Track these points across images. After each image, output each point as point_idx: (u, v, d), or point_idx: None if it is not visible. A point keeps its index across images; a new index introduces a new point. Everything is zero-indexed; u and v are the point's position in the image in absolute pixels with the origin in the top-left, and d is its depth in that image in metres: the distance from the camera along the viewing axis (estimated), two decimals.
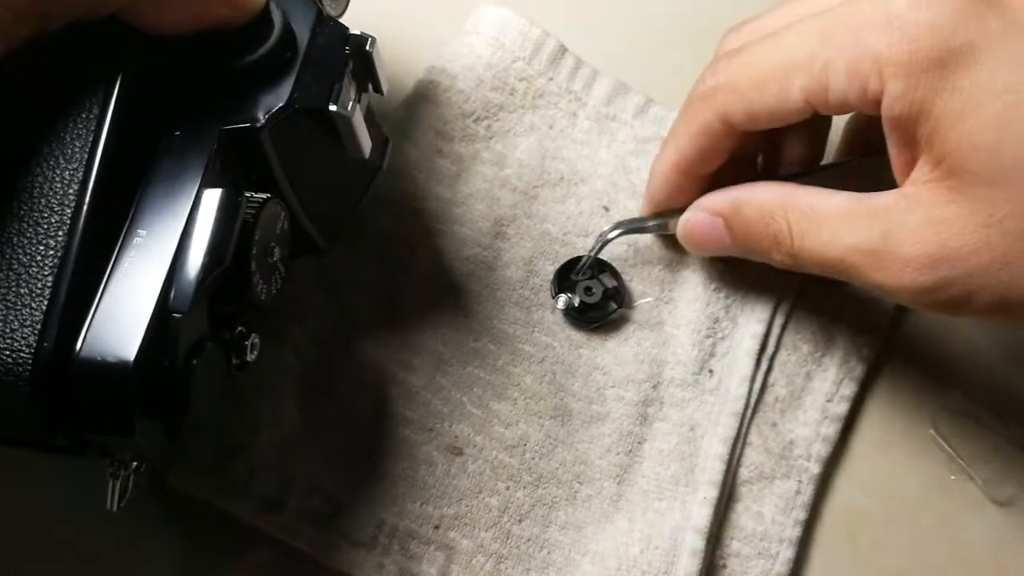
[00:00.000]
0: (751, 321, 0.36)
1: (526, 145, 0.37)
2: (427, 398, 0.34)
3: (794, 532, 0.34)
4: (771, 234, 0.32)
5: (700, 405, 0.35)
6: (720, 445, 0.34)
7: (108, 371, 0.22)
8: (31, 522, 0.33)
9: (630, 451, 0.34)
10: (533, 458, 0.34)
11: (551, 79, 0.38)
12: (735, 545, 0.34)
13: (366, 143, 0.28)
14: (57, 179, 0.23)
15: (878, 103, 0.28)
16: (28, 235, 0.23)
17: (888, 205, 0.29)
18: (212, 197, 0.24)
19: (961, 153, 0.27)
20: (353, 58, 0.27)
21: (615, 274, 0.36)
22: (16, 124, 0.24)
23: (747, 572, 0.34)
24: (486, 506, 0.33)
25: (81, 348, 0.22)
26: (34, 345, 0.22)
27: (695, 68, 0.42)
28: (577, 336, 0.36)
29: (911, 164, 0.29)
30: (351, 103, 0.26)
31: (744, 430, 0.35)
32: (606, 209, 0.37)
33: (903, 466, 0.36)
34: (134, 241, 0.23)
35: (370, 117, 0.29)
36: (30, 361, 0.22)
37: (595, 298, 0.35)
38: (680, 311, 0.36)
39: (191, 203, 0.24)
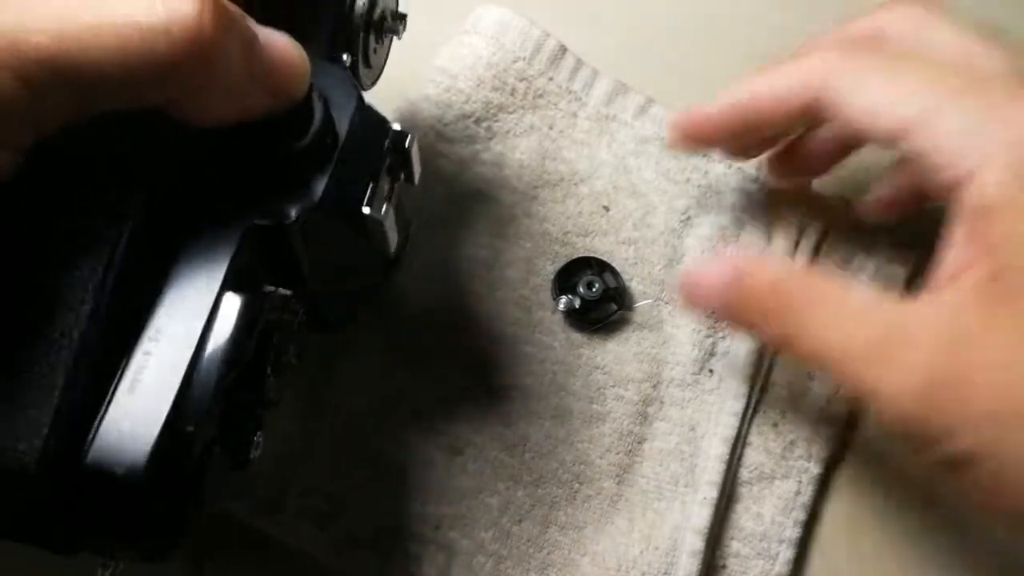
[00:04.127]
0: None
1: (526, 145, 0.37)
2: (426, 398, 0.34)
3: (794, 532, 0.34)
4: (770, 311, 0.30)
5: (700, 405, 0.35)
6: (720, 445, 0.34)
7: (116, 481, 0.21)
8: None
9: (630, 451, 0.34)
10: (533, 458, 0.34)
11: (551, 79, 0.38)
12: (735, 545, 0.34)
13: (393, 241, 0.27)
14: (78, 274, 0.22)
15: (955, 183, 0.26)
16: (43, 332, 0.21)
17: (911, 307, 0.27)
18: (233, 304, 0.23)
19: (1019, 284, 0.25)
20: (391, 154, 0.26)
21: (616, 275, 0.36)
22: (41, 213, 0.22)
23: (747, 572, 0.34)
24: (486, 506, 0.33)
25: (88, 455, 0.21)
26: (40, 449, 0.21)
27: (695, 68, 0.42)
28: (577, 336, 0.36)
29: (956, 273, 0.27)
30: (385, 206, 0.26)
31: (744, 430, 0.35)
32: (606, 209, 0.37)
33: (903, 466, 0.36)
34: (150, 345, 0.22)
35: (400, 207, 0.28)
36: (34, 464, 0.21)
37: (596, 295, 0.35)
38: (680, 311, 0.36)
39: (211, 304, 0.23)
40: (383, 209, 0.26)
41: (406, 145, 0.26)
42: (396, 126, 0.26)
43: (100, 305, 0.22)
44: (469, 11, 0.38)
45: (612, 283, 0.36)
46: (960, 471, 0.25)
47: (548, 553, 0.33)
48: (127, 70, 0.20)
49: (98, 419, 0.22)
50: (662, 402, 0.35)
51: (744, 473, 0.35)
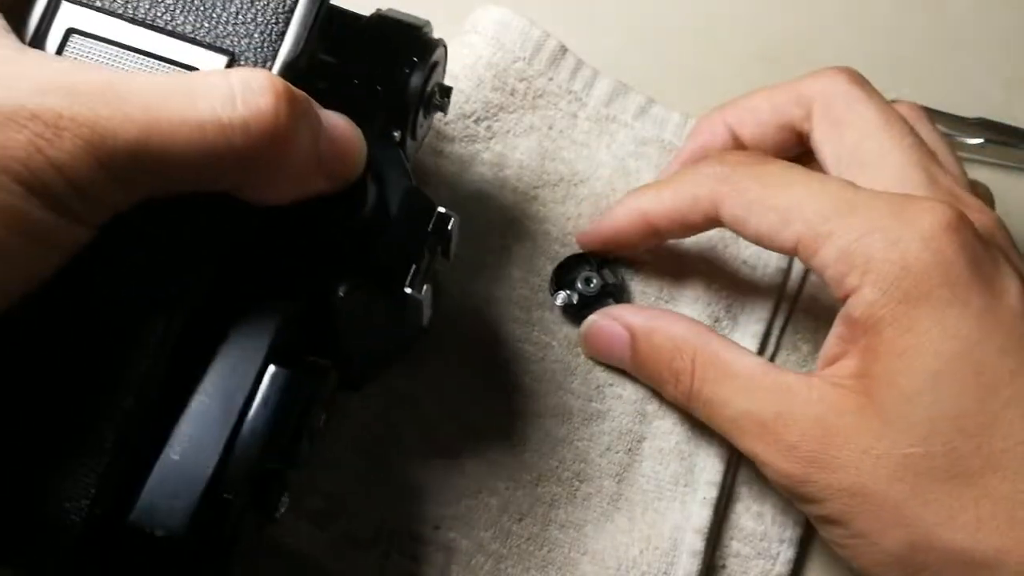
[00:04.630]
0: (751, 320, 0.36)
1: (526, 146, 0.37)
2: (426, 398, 0.34)
3: (794, 532, 0.34)
4: (674, 369, 0.32)
5: None
6: (720, 444, 0.34)
7: (156, 543, 0.22)
8: None
9: (630, 450, 0.34)
10: (532, 457, 0.34)
11: (551, 79, 0.38)
12: (735, 545, 0.34)
13: (428, 314, 0.28)
14: (135, 342, 0.23)
15: (847, 296, 0.29)
16: (97, 395, 0.22)
17: (793, 387, 0.30)
18: (275, 377, 0.23)
19: (885, 381, 0.28)
20: (433, 235, 0.27)
21: (614, 271, 0.36)
22: (105, 281, 0.23)
23: (747, 572, 0.34)
24: (485, 505, 0.33)
25: (131, 516, 0.22)
26: (86, 509, 0.22)
27: (695, 68, 0.42)
28: (576, 335, 0.35)
29: (835, 358, 0.30)
30: (425, 286, 0.26)
31: None
32: (602, 214, 0.37)
33: None
34: (195, 412, 0.23)
35: (434, 281, 0.29)
36: (80, 524, 0.22)
37: (594, 291, 0.35)
38: (680, 311, 0.36)
39: (255, 376, 0.23)
40: (424, 289, 0.26)
41: (449, 227, 0.27)
42: (441, 209, 0.27)
43: (153, 372, 0.22)
44: (469, 11, 0.38)
45: (611, 279, 0.36)
46: (831, 527, 0.29)
47: (548, 552, 0.33)
48: (205, 161, 0.21)
49: (142, 482, 0.22)
50: (661, 401, 0.35)
51: (744, 472, 0.35)
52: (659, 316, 0.34)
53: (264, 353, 0.24)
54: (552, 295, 0.36)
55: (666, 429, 0.35)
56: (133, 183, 0.21)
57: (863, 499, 0.28)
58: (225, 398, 0.23)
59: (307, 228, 0.25)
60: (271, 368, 0.23)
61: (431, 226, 0.27)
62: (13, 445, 0.22)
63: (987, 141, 0.41)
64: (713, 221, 0.32)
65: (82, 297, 0.22)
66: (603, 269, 0.36)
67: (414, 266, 0.26)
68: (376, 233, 0.26)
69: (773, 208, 0.30)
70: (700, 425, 0.35)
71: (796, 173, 0.31)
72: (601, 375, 0.35)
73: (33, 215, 0.20)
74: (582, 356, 0.35)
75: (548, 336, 0.35)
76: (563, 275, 0.36)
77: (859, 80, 0.33)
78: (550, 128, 0.38)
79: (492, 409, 0.34)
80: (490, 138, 0.37)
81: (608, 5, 0.42)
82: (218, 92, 0.21)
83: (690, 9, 0.42)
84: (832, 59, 0.42)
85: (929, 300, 0.27)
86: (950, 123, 0.41)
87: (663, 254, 0.37)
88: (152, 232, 0.23)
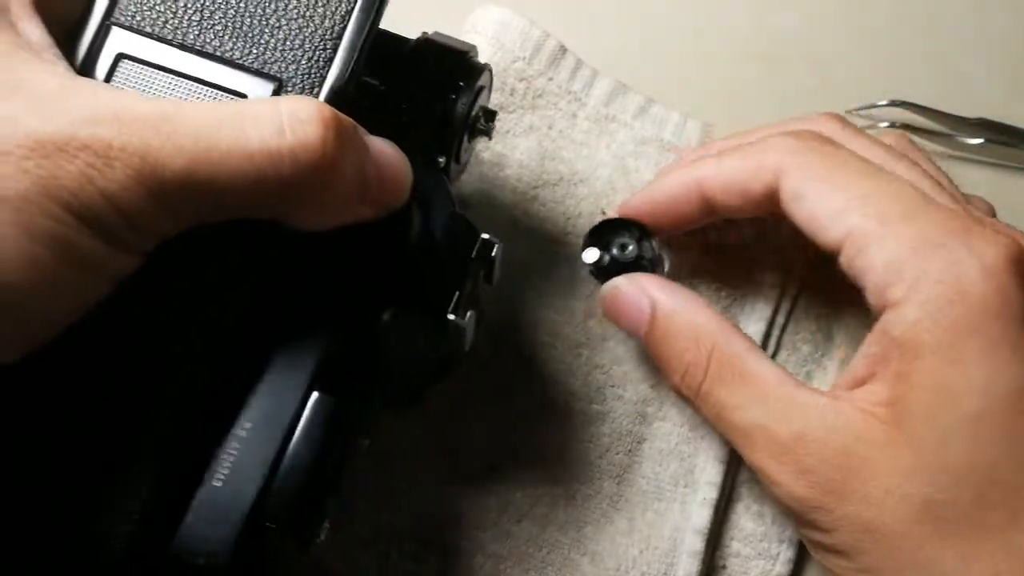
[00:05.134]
0: (751, 321, 0.36)
1: (525, 146, 0.37)
2: (425, 400, 0.34)
3: (794, 532, 0.34)
4: (685, 360, 0.30)
5: None
6: (720, 445, 0.34)
7: (197, 570, 0.22)
8: None
9: (629, 451, 0.34)
10: (532, 458, 0.34)
11: (551, 79, 0.38)
12: (735, 545, 0.34)
13: (471, 339, 0.28)
14: (178, 369, 0.23)
15: (885, 307, 0.27)
16: (142, 423, 0.22)
17: (816, 407, 0.28)
18: (318, 404, 0.23)
19: (920, 415, 0.26)
20: (476, 261, 0.27)
21: (654, 244, 0.34)
22: (151, 309, 0.23)
23: (747, 572, 0.34)
24: (485, 506, 0.33)
25: (173, 544, 0.22)
26: (129, 535, 0.22)
27: (695, 68, 0.42)
28: (576, 335, 0.35)
29: (863, 379, 0.28)
30: (469, 313, 0.26)
31: None
32: (603, 213, 0.37)
33: None
34: (238, 439, 0.23)
35: (478, 308, 0.28)
36: (123, 551, 0.22)
37: (629, 256, 0.33)
38: None
39: (298, 403, 0.23)
40: (467, 316, 0.26)
41: (493, 254, 0.27)
42: (484, 235, 0.27)
43: (197, 398, 0.22)
44: (469, 11, 0.38)
45: (648, 252, 0.34)
46: (834, 557, 0.28)
47: (547, 553, 0.33)
48: (254, 189, 0.21)
49: (184, 509, 0.22)
50: (661, 402, 0.35)
51: (744, 473, 0.35)
52: (687, 299, 0.32)
53: (308, 379, 0.24)
54: (583, 251, 0.34)
55: (666, 431, 0.35)
56: (182, 211, 0.21)
57: (879, 536, 0.26)
58: (268, 424, 0.23)
59: (353, 253, 0.25)
60: (315, 394, 0.23)
61: (475, 252, 0.27)
62: (56, 472, 0.22)
63: (987, 141, 0.41)
64: (772, 197, 0.30)
65: (127, 323, 0.23)
66: (643, 240, 0.34)
67: (457, 292, 0.26)
68: (421, 259, 0.26)
69: (834, 192, 0.29)
70: (700, 426, 0.35)
71: (868, 165, 0.29)
72: (602, 377, 0.35)
73: (83, 244, 0.20)
74: (583, 357, 0.35)
75: (550, 337, 0.35)
76: (599, 237, 0.34)
77: (847, 123, 0.33)
78: (550, 128, 0.38)
79: (491, 410, 0.34)
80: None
81: (608, 5, 0.42)
82: (267, 121, 0.21)
83: (690, 9, 0.42)
84: (832, 59, 0.42)
85: (981, 334, 0.26)
86: (950, 123, 0.41)
87: (664, 254, 0.37)
88: (198, 258, 0.23)
